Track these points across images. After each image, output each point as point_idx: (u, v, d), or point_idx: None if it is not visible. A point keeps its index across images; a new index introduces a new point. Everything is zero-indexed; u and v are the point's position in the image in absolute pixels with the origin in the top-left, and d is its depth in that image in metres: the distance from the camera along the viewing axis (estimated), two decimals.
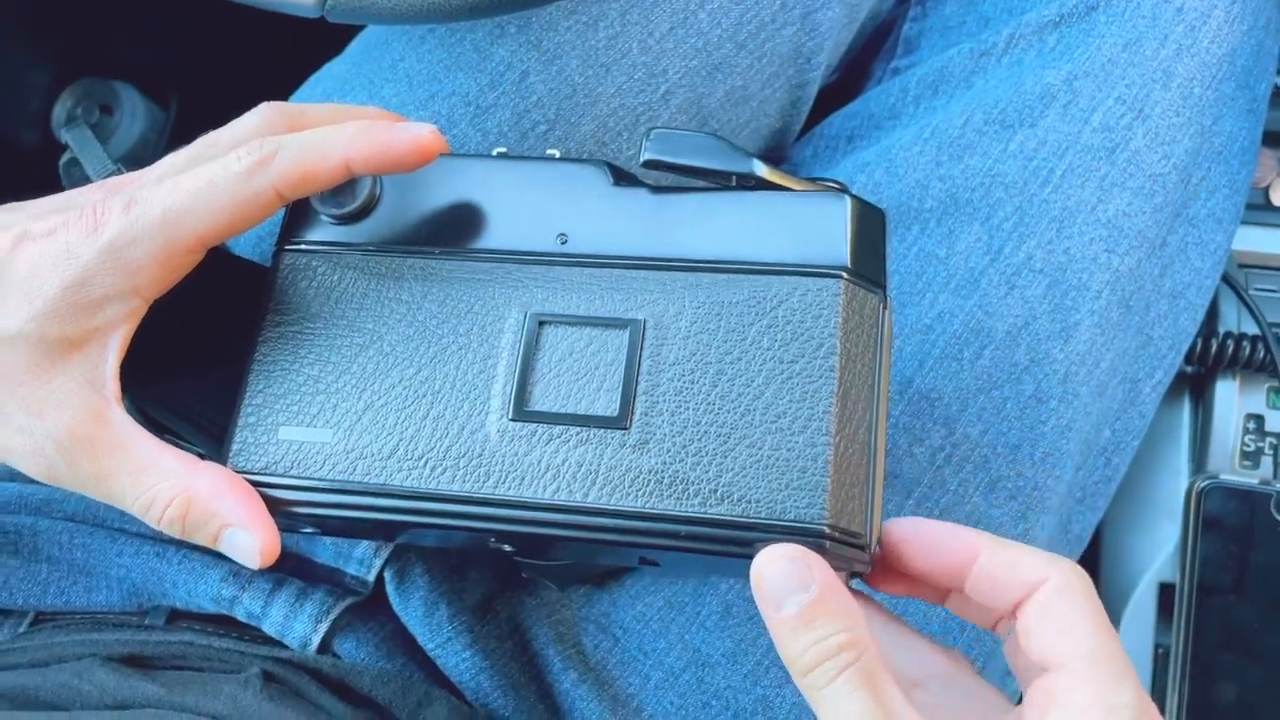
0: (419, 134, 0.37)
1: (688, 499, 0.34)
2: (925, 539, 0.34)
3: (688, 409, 0.35)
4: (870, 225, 0.37)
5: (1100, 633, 0.31)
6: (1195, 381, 0.59)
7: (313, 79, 0.57)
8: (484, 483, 0.35)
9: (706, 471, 0.34)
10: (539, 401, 0.36)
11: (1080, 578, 0.32)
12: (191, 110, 0.78)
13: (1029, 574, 0.32)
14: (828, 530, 0.33)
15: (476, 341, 0.37)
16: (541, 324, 0.37)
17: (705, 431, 0.35)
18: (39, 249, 0.35)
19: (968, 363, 0.48)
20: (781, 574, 0.32)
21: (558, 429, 0.36)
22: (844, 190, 0.38)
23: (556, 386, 0.36)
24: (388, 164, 0.37)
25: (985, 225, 0.49)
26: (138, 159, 0.76)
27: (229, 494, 0.36)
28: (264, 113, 0.39)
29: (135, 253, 0.35)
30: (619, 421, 0.35)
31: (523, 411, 0.36)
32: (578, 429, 0.35)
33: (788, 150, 0.59)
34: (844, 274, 0.36)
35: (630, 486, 0.35)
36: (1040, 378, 0.48)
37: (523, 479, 0.35)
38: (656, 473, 0.35)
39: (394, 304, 0.38)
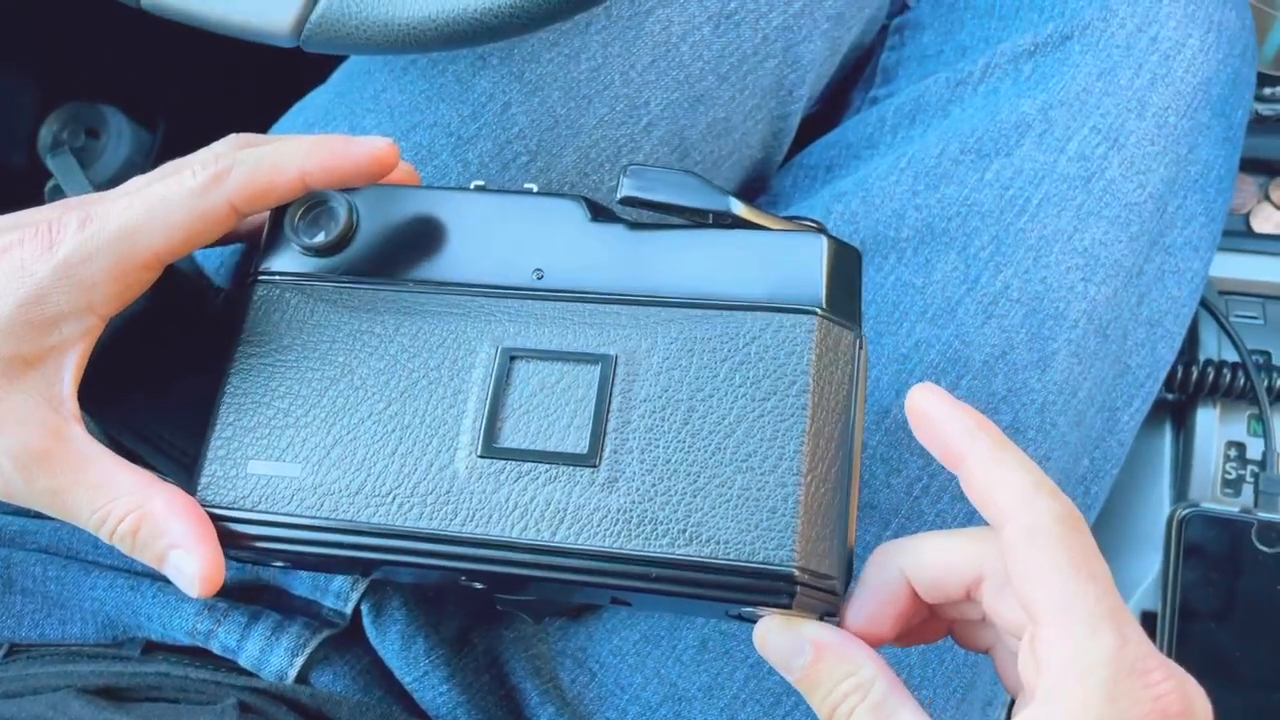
0: (374, 145, 0.38)
1: (656, 539, 0.34)
2: (931, 416, 0.34)
3: (658, 447, 0.35)
4: (846, 264, 0.37)
5: (1073, 579, 0.28)
6: (1176, 409, 0.59)
7: (295, 108, 0.57)
8: (451, 520, 0.35)
9: (675, 511, 0.34)
10: (508, 438, 0.36)
11: (1053, 516, 0.29)
12: (178, 134, 0.78)
13: (999, 513, 0.30)
14: (796, 573, 0.33)
15: (447, 376, 0.37)
16: (513, 358, 0.37)
17: (675, 470, 0.35)
18: None
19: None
20: (777, 645, 0.33)
21: (526, 466, 0.35)
22: (821, 229, 0.37)
23: (526, 422, 0.36)
24: (343, 176, 0.38)
25: (962, 254, 0.49)
26: (122, 181, 0.76)
27: (181, 516, 0.36)
28: (229, 140, 0.39)
29: (90, 269, 0.35)
30: (588, 459, 0.35)
31: (491, 448, 0.36)
32: (547, 466, 0.35)
33: (770, 180, 0.59)
34: (818, 311, 0.35)
35: (599, 526, 0.34)
36: (1018, 407, 0.48)
37: (490, 517, 0.35)
38: (625, 512, 0.34)
39: (366, 337, 0.38)
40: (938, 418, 0.33)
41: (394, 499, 0.36)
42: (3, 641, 0.47)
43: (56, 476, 0.35)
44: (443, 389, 0.37)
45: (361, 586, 0.48)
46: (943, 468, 0.48)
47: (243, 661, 0.46)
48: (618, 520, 0.34)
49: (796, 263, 0.36)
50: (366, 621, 0.48)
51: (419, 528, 0.35)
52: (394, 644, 0.48)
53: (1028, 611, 0.29)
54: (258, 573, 0.49)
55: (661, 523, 0.34)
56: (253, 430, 0.37)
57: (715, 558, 0.33)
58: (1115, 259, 0.49)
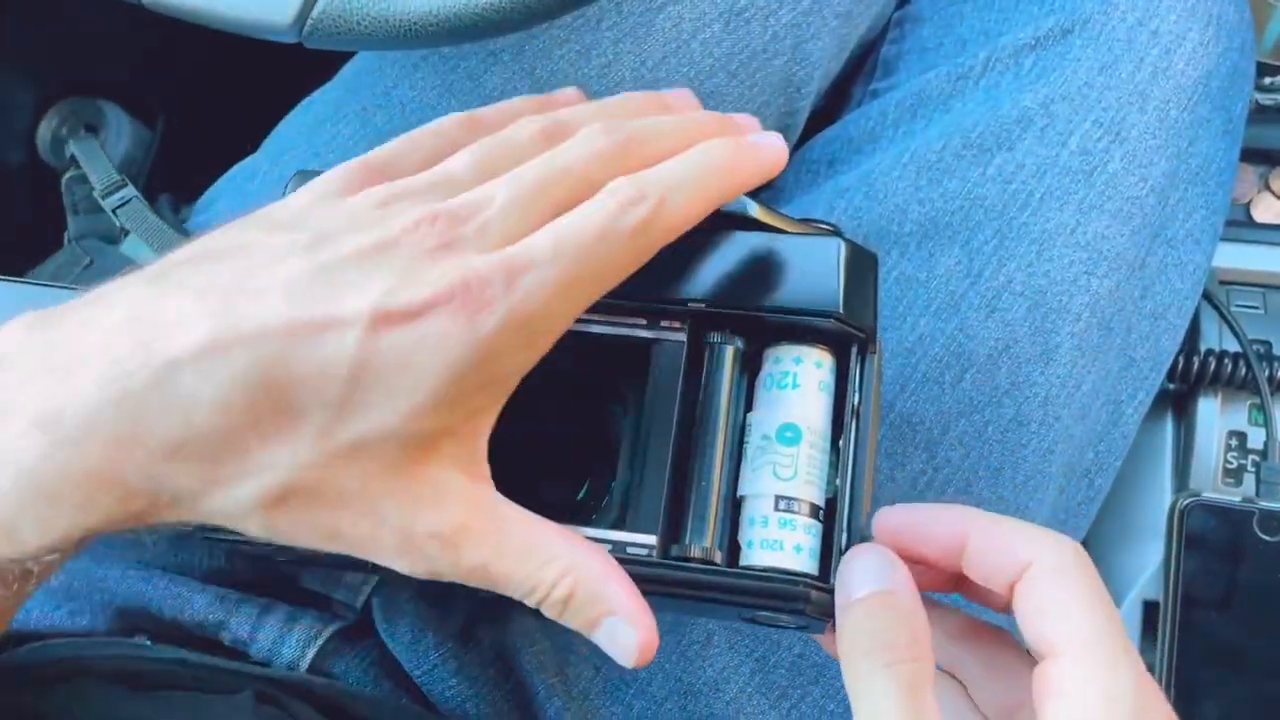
0: (773, 151, 0.35)
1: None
2: (916, 526, 0.33)
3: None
4: (861, 269, 0.36)
5: (1095, 614, 0.30)
6: (1177, 399, 0.59)
7: (303, 104, 0.57)
8: None
9: None
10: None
11: (1075, 554, 0.31)
12: (178, 129, 0.78)
13: (1021, 554, 0.31)
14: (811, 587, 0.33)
15: None
16: None
17: None
18: (408, 335, 0.29)
19: (949, 386, 0.48)
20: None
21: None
22: (836, 233, 0.37)
23: None
24: (743, 190, 0.35)
25: (965, 249, 0.49)
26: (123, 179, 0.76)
27: (614, 580, 0.32)
28: (599, 134, 0.33)
29: (525, 335, 0.30)
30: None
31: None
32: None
33: (774, 178, 0.59)
34: (834, 318, 0.35)
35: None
36: (1021, 401, 0.49)
37: None
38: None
39: None
40: (923, 518, 0.33)
41: None
42: (11, 633, 0.47)
43: (482, 549, 0.31)
44: None
45: (373, 580, 0.49)
46: (946, 463, 0.49)
47: (254, 653, 0.46)
48: None
49: (813, 267, 0.36)
50: (377, 615, 0.48)
51: None
52: (404, 637, 0.48)
53: (1043, 644, 0.30)
54: (268, 565, 0.49)
55: None
56: None
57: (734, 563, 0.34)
58: (1118, 252, 0.50)
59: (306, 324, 0.29)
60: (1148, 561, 0.57)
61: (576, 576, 0.32)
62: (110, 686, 0.41)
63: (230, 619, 0.46)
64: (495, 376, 0.31)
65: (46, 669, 0.43)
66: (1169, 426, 0.59)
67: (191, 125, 0.78)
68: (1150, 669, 0.56)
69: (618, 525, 0.34)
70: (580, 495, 0.40)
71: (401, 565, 0.31)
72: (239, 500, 0.30)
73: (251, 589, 0.47)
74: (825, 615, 0.33)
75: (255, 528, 0.30)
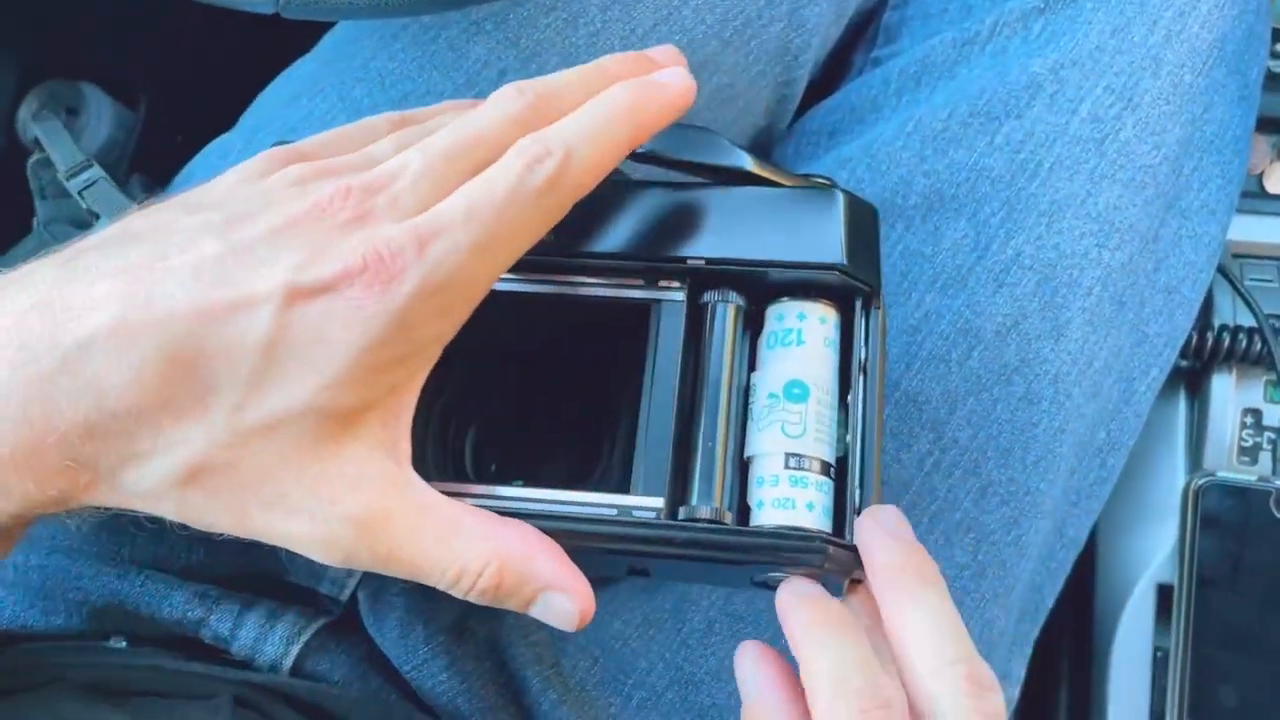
0: (678, 87, 0.34)
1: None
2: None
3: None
4: (863, 221, 0.35)
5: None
6: (1191, 376, 0.57)
7: (281, 78, 0.55)
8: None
9: None
10: None
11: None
12: (161, 110, 0.76)
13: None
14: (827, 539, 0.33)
15: None
16: None
17: None
18: (321, 309, 0.29)
19: (956, 364, 0.47)
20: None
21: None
22: (833, 185, 0.36)
23: None
24: (661, 125, 0.34)
25: (972, 221, 0.48)
26: (105, 162, 0.74)
27: (541, 554, 0.32)
28: (510, 96, 0.33)
29: (440, 301, 0.30)
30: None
31: None
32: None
33: (772, 149, 0.57)
34: (838, 270, 0.34)
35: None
36: (1031, 378, 0.47)
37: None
38: None
39: None
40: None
41: None
42: None
43: (400, 535, 0.31)
44: None
45: (359, 572, 0.47)
46: (954, 443, 0.47)
47: (235, 651, 0.45)
48: None
49: (813, 221, 0.35)
50: (364, 609, 0.47)
51: None
52: (392, 631, 0.46)
53: None
54: (251, 558, 0.47)
55: None
56: None
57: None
58: (1130, 223, 0.48)
59: (218, 303, 0.29)
60: (1161, 543, 0.56)
61: (501, 560, 0.31)
62: (84, 695, 0.39)
63: (210, 616, 0.44)
64: (414, 347, 0.31)
65: (19, 677, 0.41)
66: (1182, 404, 0.57)
67: (175, 105, 0.76)
68: (1165, 654, 0.55)
69: (622, 489, 0.34)
70: (581, 470, 0.39)
71: (316, 552, 0.31)
72: (152, 478, 0.30)
73: (232, 584, 0.45)
74: (844, 571, 0.32)
75: (170, 508, 0.30)
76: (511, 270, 0.34)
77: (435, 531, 0.31)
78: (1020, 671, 0.53)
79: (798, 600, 0.32)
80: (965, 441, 0.47)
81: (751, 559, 0.33)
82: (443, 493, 0.33)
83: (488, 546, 0.31)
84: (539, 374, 0.41)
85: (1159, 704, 0.55)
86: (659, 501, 0.33)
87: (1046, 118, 0.48)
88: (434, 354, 0.32)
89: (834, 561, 0.32)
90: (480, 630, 0.48)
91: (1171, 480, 0.56)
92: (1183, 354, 0.57)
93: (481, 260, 0.31)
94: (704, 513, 0.33)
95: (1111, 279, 0.48)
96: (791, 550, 0.32)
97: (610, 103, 0.33)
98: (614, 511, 0.33)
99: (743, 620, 0.47)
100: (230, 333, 0.29)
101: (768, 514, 0.33)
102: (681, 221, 0.36)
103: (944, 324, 0.47)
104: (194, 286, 0.29)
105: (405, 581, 0.46)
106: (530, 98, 0.33)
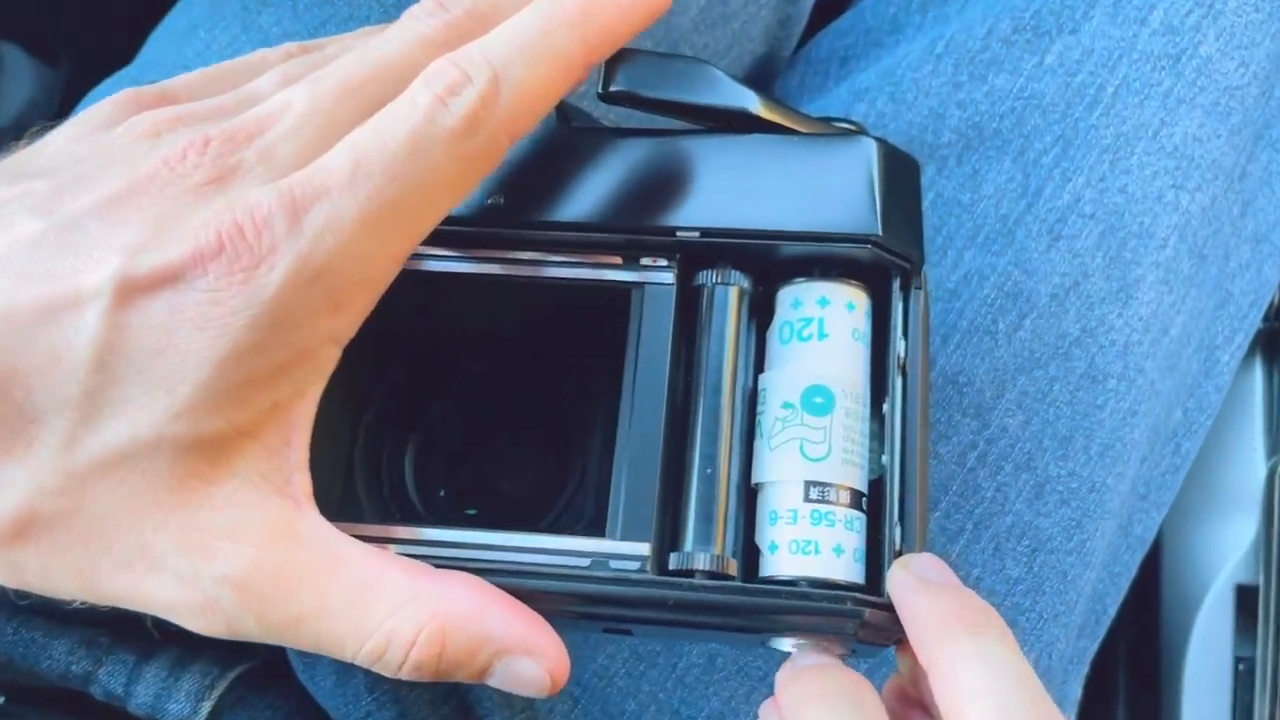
0: None
1: None
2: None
3: None
4: (902, 179, 0.30)
5: None
6: (1268, 340, 0.50)
7: (175, 10, 0.47)
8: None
9: None
10: None
11: None
12: (83, 70, 0.71)
13: None
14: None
15: None
16: None
17: None
18: (166, 307, 0.24)
19: (1004, 336, 0.39)
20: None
21: None
22: (863, 131, 0.30)
23: None
24: (620, 40, 0.27)
25: (1019, 161, 0.40)
26: (26, 126, 0.69)
27: (493, 608, 0.26)
28: (428, 11, 0.27)
29: (325, 289, 0.24)
30: None
31: None
32: None
33: (773, 82, 0.49)
34: (871, 242, 0.28)
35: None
36: (1095, 351, 0.39)
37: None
38: None
39: None
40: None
41: None
42: None
43: (299, 598, 0.25)
44: None
45: None
46: (1003, 432, 0.39)
47: (133, 709, 0.38)
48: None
49: (839, 178, 0.29)
50: (291, 652, 0.40)
51: None
52: (327, 679, 0.40)
53: None
54: None
55: None
56: None
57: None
58: (1213, 158, 0.40)
59: (31, 303, 0.24)
60: (1240, 538, 0.48)
61: (441, 622, 0.25)
62: None
63: (98, 670, 0.37)
64: (297, 351, 0.25)
65: None
66: (1259, 374, 0.50)
67: (99, 62, 0.71)
68: (1249, 665, 0.48)
69: (595, 531, 0.28)
70: (546, 496, 0.34)
71: (192, 621, 0.25)
72: None
73: (125, 628, 0.38)
74: (884, 638, 0.27)
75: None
76: (444, 245, 0.28)
77: (347, 591, 0.25)
78: (1077, 693, 0.46)
79: (793, 671, 0.26)
80: (1016, 430, 0.39)
81: (762, 626, 0.27)
82: (359, 537, 0.26)
83: (420, 606, 0.25)
84: (493, 378, 0.35)
85: None
86: (643, 548, 0.27)
87: (1109, 31, 0.40)
88: (328, 358, 0.26)
89: (870, 627, 0.26)
90: None
91: (1249, 463, 0.49)
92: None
93: (377, 232, 0.24)
94: (701, 562, 0.27)
95: (1190, 227, 0.40)
96: (815, 614, 0.27)
97: (551, 7, 0.26)
98: (586, 562, 0.27)
99: (752, 653, 0.39)
100: (51, 343, 0.24)
101: (783, 561, 0.28)
102: (669, 181, 0.30)
103: (988, 288, 0.39)
104: (3, 285, 0.24)
105: None
106: (455, 13, 0.27)
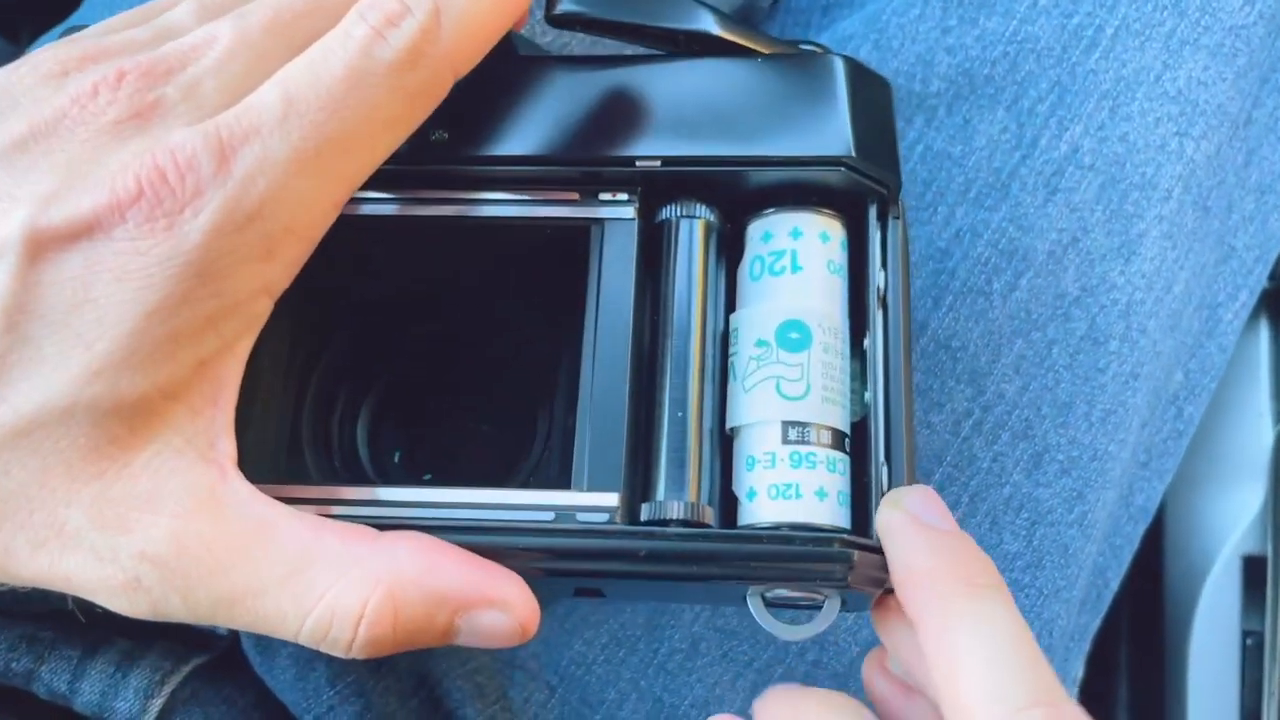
0: None
1: None
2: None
3: None
4: (873, 98, 0.28)
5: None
6: (1273, 298, 0.47)
7: None
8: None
9: None
10: None
11: None
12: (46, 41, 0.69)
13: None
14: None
15: None
16: None
17: None
18: (82, 260, 0.22)
19: (999, 297, 0.37)
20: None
21: None
22: (828, 51, 0.28)
23: None
24: None
25: (1012, 110, 0.37)
26: None
27: (443, 563, 0.24)
28: None
29: (256, 237, 0.23)
30: None
31: None
32: None
33: None
34: (845, 165, 0.27)
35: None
36: (1095, 311, 0.37)
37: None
38: None
39: None
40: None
41: None
42: None
43: (229, 573, 0.23)
44: None
45: None
46: (999, 398, 0.37)
47: (79, 707, 0.36)
48: None
49: (807, 99, 0.27)
50: (247, 644, 0.38)
51: None
52: (286, 672, 0.37)
53: None
54: None
55: None
56: None
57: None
58: (1218, 104, 0.37)
59: None
60: (1246, 508, 0.46)
61: (389, 587, 0.23)
62: None
63: (40, 667, 0.35)
64: (225, 303, 0.23)
65: None
66: (1264, 333, 0.47)
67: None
68: (1258, 639, 0.45)
69: (561, 483, 0.26)
70: (511, 457, 0.32)
71: (113, 601, 0.23)
72: None
73: (68, 622, 0.35)
74: (873, 582, 0.25)
75: None
76: (385, 187, 0.26)
77: (280, 562, 0.23)
78: (1078, 670, 0.44)
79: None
80: (1013, 396, 0.37)
81: (743, 574, 0.25)
82: (302, 501, 0.25)
83: (363, 573, 0.23)
84: (448, 335, 0.32)
85: (1252, 698, 0.45)
86: (612, 499, 0.25)
87: None
88: (260, 311, 0.24)
89: (859, 571, 0.25)
90: (403, 660, 0.39)
91: (1255, 428, 0.46)
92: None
93: (313, 174, 0.23)
94: (675, 511, 0.25)
95: (1195, 177, 0.38)
96: (800, 559, 0.25)
97: None
98: (550, 516, 0.25)
99: (736, 637, 0.37)
100: None
101: (763, 507, 0.26)
102: (625, 109, 0.28)
103: (982, 245, 0.37)
104: None
105: None
106: None
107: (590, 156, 0.28)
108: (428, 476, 0.32)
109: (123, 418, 0.23)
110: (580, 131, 0.28)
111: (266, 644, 0.37)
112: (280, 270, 0.24)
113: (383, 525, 0.25)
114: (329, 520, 0.24)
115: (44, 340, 0.22)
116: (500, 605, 0.24)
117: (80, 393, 0.22)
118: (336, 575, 0.23)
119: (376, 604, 0.23)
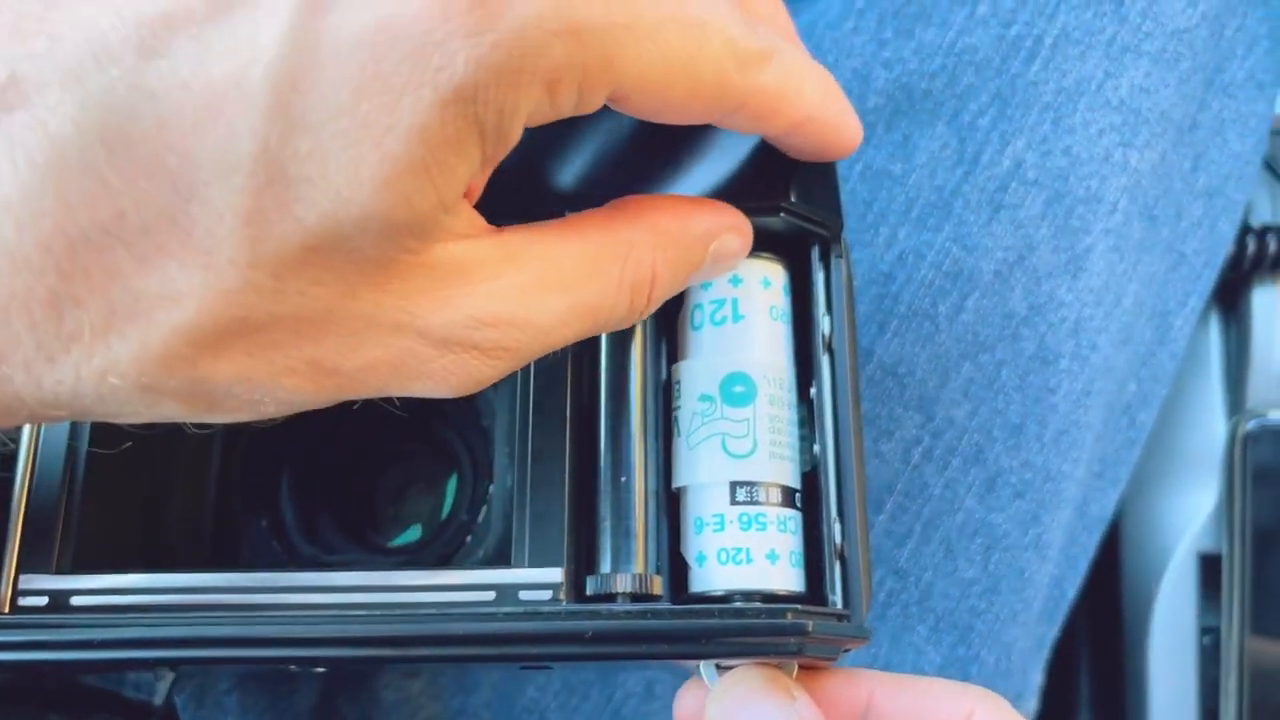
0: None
1: None
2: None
3: None
4: None
5: None
6: (1224, 293, 0.46)
7: None
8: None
9: None
10: None
11: (1004, 706, 0.24)
12: None
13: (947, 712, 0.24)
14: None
15: None
16: None
17: None
18: (375, 21, 0.18)
19: (945, 320, 0.36)
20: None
21: None
22: None
23: None
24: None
25: (953, 125, 0.36)
26: None
27: (699, 209, 0.24)
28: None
29: (560, 56, 0.19)
30: None
31: None
32: None
33: None
34: (783, 210, 0.26)
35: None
36: (1044, 330, 0.36)
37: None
38: None
39: None
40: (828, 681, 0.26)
41: None
42: None
43: (559, 295, 0.22)
44: None
45: (170, 677, 0.35)
46: (949, 424, 0.36)
47: None
48: None
49: (742, 140, 0.26)
50: (185, 717, 0.36)
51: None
52: None
53: None
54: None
55: None
56: None
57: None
58: (1162, 110, 0.36)
59: (181, 9, 0.18)
60: (1200, 504, 0.45)
61: (662, 233, 0.23)
62: None
63: None
64: (506, 115, 0.19)
65: None
66: (1215, 329, 0.46)
67: None
68: (1214, 636, 0.45)
69: (500, 561, 0.26)
70: (440, 520, 0.31)
71: (431, 385, 0.21)
72: (123, 370, 0.19)
73: (76, 701, 0.34)
74: (829, 653, 0.24)
75: (174, 404, 0.20)
76: None
77: (587, 257, 0.22)
78: (1038, 679, 0.43)
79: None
80: (963, 421, 0.36)
81: (694, 651, 0.24)
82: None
83: (623, 238, 0.23)
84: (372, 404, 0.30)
85: (1210, 697, 0.45)
86: (555, 574, 0.24)
87: None
88: (516, 139, 0.20)
89: (815, 640, 0.24)
90: (351, 714, 0.37)
91: (1209, 426, 0.46)
92: None
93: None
94: (622, 584, 0.24)
95: (1140, 188, 0.36)
96: (752, 634, 0.23)
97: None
98: (491, 596, 0.24)
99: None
100: (205, 76, 0.18)
101: (713, 573, 0.25)
102: (555, 156, 0.27)
103: (925, 267, 0.36)
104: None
105: (236, 677, 0.36)
106: None
107: (520, 207, 0.26)
108: (353, 549, 0.31)
109: (414, 231, 0.19)
110: (508, 181, 0.26)
111: (205, 713, 0.36)
112: (547, 109, 0.20)
113: (310, 614, 0.24)
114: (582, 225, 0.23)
115: (324, 129, 0.18)
116: (736, 230, 0.24)
117: (373, 205, 0.18)
118: (617, 248, 0.22)
119: (650, 261, 0.23)
